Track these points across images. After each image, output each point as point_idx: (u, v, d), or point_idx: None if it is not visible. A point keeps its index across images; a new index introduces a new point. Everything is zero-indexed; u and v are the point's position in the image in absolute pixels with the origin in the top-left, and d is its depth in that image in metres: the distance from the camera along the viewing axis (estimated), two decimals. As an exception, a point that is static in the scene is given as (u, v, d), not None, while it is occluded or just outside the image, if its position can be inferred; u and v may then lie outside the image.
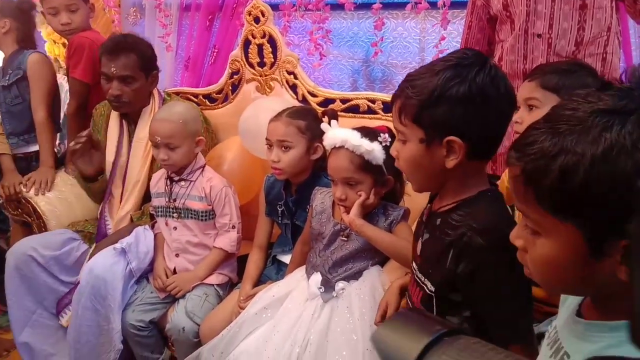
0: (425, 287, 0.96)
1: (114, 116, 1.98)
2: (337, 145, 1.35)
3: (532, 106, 1.23)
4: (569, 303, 0.66)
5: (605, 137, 0.52)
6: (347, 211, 1.36)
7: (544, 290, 0.62)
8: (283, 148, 1.57)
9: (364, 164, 1.34)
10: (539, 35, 1.50)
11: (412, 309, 0.69)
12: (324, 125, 1.41)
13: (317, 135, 1.59)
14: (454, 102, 0.87)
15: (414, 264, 1.05)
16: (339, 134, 1.36)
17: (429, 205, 1.03)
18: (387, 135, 1.34)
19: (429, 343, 0.46)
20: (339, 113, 1.73)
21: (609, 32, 1.48)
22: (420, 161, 0.92)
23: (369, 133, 1.35)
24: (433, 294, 0.94)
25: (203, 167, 1.77)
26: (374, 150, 1.33)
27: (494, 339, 0.78)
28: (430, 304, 0.95)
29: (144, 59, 1.88)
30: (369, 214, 1.38)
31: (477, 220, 0.88)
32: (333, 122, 1.42)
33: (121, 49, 1.85)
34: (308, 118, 1.62)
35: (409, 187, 1.10)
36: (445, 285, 0.92)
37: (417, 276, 1.01)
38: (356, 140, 1.33)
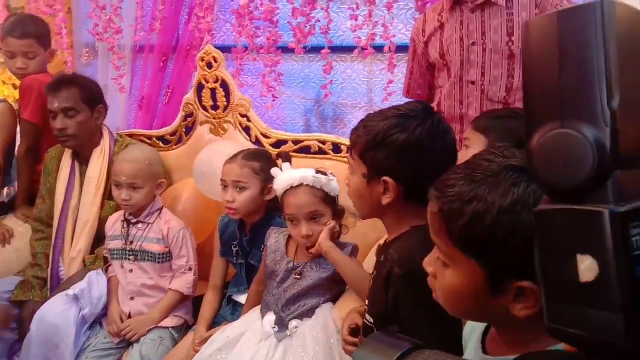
0: (367, 321, 1.04)
1: (66, 158, 1.98)
2: (294, 185, 1.42)
3: (466, 145, 1.34)
4: (472, 341, 0.74)
5: (513, 192, 0.60)
6: (311, 249, 1.42)
7: (449, 314, 0.70)
8: (238, 189, 1.62)
9: (324, 196, 1.43)
10: (473, 82, 1.62)
11: (384, 330, 0.76)
12: (274, 170, 1.48)
13: (271, 176, 1.64)
14: (393, 148, 0.98)
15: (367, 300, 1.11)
16: (295, 173, 1.44)
17: (378, 244, 1.11)
18: (330, 172, 1.46)
19: (399, 356, 0.53)
20: (291, 154, 1.80)
21: (535, 79, 1.62)
22: (362, 193, 1.04)
23: (318, 170, 1.45)
24: (373, 325, 1.02)
25: (161, 209, 1.80)
26: (330, 181, 1.44)
27: None
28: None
29: (85, 92, 1.91)
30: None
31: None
32: (284, 164, 1.48)
33: (62, 83, 1.89)
34: (262, 160, 1.67)
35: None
36: (382, 316, 0.99)
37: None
38: (314, 174, 1.42)
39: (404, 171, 0.98)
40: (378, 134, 0.99)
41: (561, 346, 0.63)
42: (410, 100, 1.08)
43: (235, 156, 1.65)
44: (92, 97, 1.93)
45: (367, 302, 1.10)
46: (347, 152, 1.10)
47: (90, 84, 1.96)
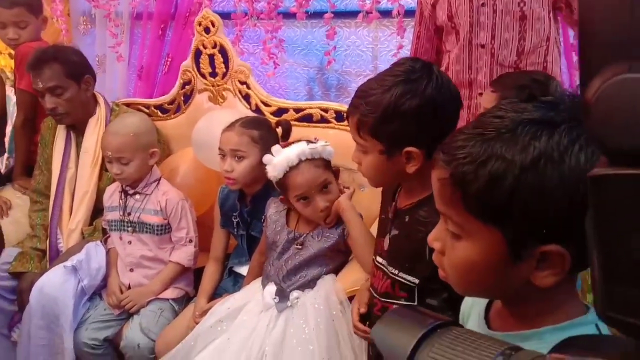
0: (405, 280, 1.01)
1: (61, 128, 1.93)
2: (293, 164, 1.35)
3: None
4: (474, 316, 0.69)
5: (534, 146, 0.53)
6: (328, 219, 1.39)
7: (458, 292, 0.64)
8: (236, 158, 1.57)
9: (325, 163, 1.39)
10: (483, 46, 1.54)
11: (406, 305, 0.71)
12: (266, 158, 1.40)
13: (271, 145, 1.59)
14: (408, 116, 0.94)
15: (378, 257, 1.09)
16: (290, 152, 1.37)
17: (393, 203, 1.07)
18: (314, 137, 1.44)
19: (423, 335, 0.47)
20: (292, 122, 1.75)
21: (549, 42, 1.54)
22: (382, 169, 0.99)
23: (307, 140, 1.41)
24: (415, 285, 1.00)
25: (159, 180, 1.75)
26: (326, 147, 1.39)
27: None
28: (395, 290, 1.02)
29: (68, 66, 1.83)
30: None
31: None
32: (274, 147, 1.41)
33: (43, 62, 1.81)
34: (262, 128, 1.62)
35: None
36: (430, 276, 0.95)
37: (384, 268, 1.06)
38: (310, 146, 1.37)
39: (423, 135, 0.94)
40: (388, 106, 0.94)
41: (595, 316, 0.58)
42: (398, 60, 1.01)
43: (233, 124, 1.59)
44: (76, 70, 1.85)
45: (381, 259, 1.08)
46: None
47: (72, 55, 1.88)
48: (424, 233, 0.95)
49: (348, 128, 1.78)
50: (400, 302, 1.02)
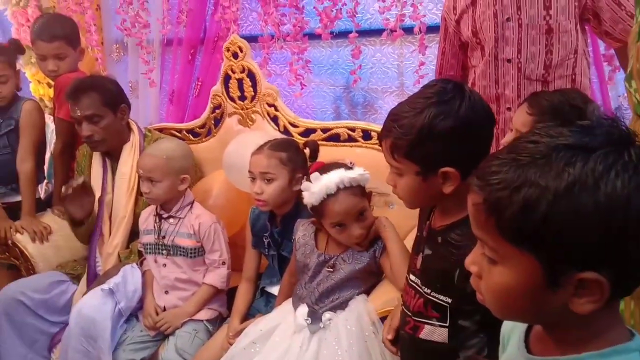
0: (438, 299, 1.01)
1: (97, 155, 2.00)
2: (332, 192, 1.34)
3: (510, 129, 1.26)
4: (515, 339, 0.68)
5: (568, 172, 0.53)
6: (361, 244, 1.39)
7: (496, 316, 0.63)
8: (266, 180, 1.59)
9: (362, 191, 1.39)
10: (509, 60, 1.53)
11: (474, 356, 0.70)
12: (304, 185, 1.39)
13: (299, 166, 1.61)
14: (442, 137, 0.94)
15: (412, 275, 1.09)
16: (329, 180, 1.35)
17: (428, 222, 1.07)
18: (350, 162, 1.41)
19: None
20: (319, 142, 1.76)
21: (576, 54, 1.52)
22: (418, 190, 0.99)
23: (344, 166, 1.39)
24: (448, 305, 0.99)
25: (192, 203, 1.79)
26: (364, 175, 1.38)
27: None
28: (427, 310, 1.03)
29: (106, 95, 1.90)
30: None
31: (474, 241, 0.91)
32: (313, 175, 1.39)
33: (81, 91, 1.88)
34: (290, 150, 1.64)
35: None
36: (459, 299, 0.97)
37: (417, 287, 1.06)
38: (348, 174, 1.35)
39: (458, 155, 0.94)
40: (422, 129, 0.94)
41: (636, 344, 0.57)
42: (429, 82, 1.01)
43: (261, 147, 1.62)
44: (113, 99, 1.92)
45: (414, 277, 1.08)
46: (384, 152, 1.03)
47: (109, 84, 1.95)
48: (456, 256, 0.96)
49: (375, 146, 1.83)
50: (432, 322, 1.02)
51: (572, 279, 0.54)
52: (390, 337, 1.18)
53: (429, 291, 1.03)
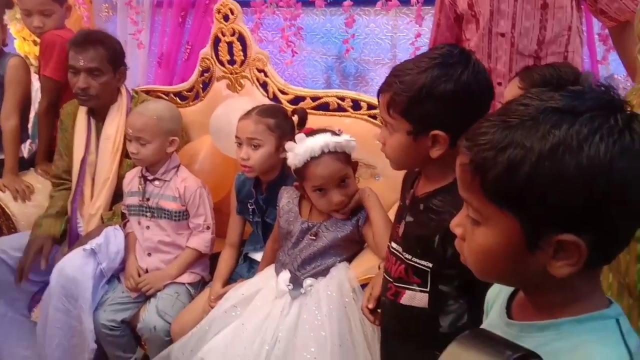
0: (419, 265, 1.02)
1: (81, 114, 1.96)
2: (316, 155, 1.34)
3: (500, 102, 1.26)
4: (497, 305, 0.68)
5: (553, 134, 0.53)
6: (343, 211, 1.39)
7: (477, 277, 0.64)
8: (252, 146, 1.57)
9: (347, 158, 1.38)
10: (502, 35, 1.52)
11: (479, 329, 0.70)
12: (288, 145, 1.39)
13: (287, 133, 1.60)
14: (441, 99, 0.93)
15: (393, 243, 1.09)
16: (314, 142, 1.35)
17: (411, 191, 1.08)
18: (338, 129, 1.40)
19: None
20: (308, 111, 1.75)
21: (570, 31, 1.51)
22: (407, 150, 0.99)
23: (331, 132, 1.38)
24: (429, 270, 1.00)
25: (178, 167, 1.78)
26: (350, 142, 1.38)
27: None
28: (408, 275, 1.03)
29: (112, 53, 1.87)
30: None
31: (456, 207, 0.91)
32: (298, 135, 1.39)
33: (89, 42, 1.84)
34: (278, 116, 1.62)
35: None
36: (439, 263, 0.98)
37: (398, 254, 1.06)
38: (334, 139, 1.35)
39: (452, 120, 0.93)
40: (422, 87, 0.93)
41: (616, 311, 0.58)
42: (438, 45, 1.00)
43: (249, 112, 1.60)
44: (117, 58, 1.90)
45: (395, 245, 1.08)
46: (376, 110, 1.02)
47: (116, 43, 1.92)
48: (436, 222, 0.97)
49: (364, 117, 1.82)
50: (413, 287, 1.02)
51: (550, 240, 0.54)
52: (371, 305, 1.19)
53: (410, 257, 1.03)
